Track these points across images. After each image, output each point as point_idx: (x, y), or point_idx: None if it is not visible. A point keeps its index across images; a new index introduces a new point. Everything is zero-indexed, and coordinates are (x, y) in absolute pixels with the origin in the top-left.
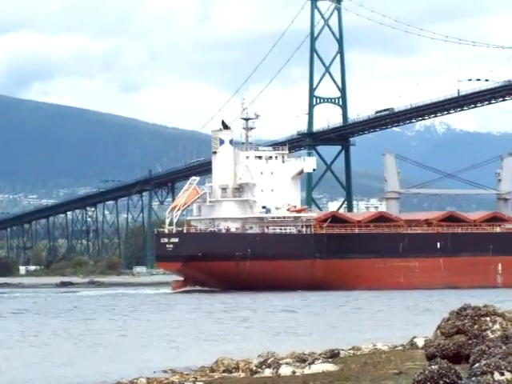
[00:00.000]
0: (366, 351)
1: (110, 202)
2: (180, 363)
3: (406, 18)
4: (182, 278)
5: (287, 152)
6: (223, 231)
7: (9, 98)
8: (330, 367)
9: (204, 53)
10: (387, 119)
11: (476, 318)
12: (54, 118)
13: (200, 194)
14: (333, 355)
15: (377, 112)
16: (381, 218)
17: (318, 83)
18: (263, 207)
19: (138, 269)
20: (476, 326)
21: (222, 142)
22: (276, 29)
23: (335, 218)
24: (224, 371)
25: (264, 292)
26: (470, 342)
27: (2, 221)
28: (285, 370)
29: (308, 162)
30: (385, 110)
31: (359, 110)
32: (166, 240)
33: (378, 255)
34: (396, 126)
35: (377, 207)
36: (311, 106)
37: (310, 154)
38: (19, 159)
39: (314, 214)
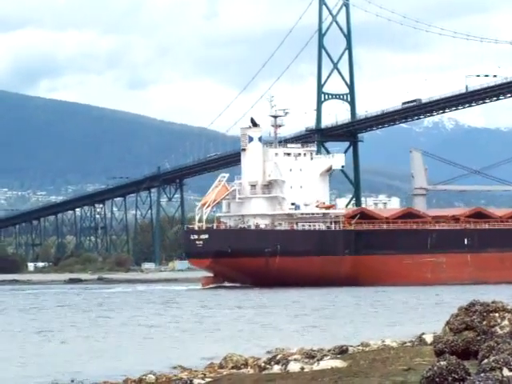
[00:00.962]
0: (374, 347)
1: (119, 199)
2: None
3: (414, 14)
4: (211, 274)
5: (315, 149)
6: (253, 227)
7: (16, 95)
8: (338, 363)
9: (211, 49)
10: (395, 115)
11: (485, 314)
12: (61, 115)
13: (229, 190)
14: (341, 351)
15: (403, 103)
16: (408, 215)
17: (326, 79)
18: (292, 204)
19: (147, 265)
20: (485, 322)
21: (250, 139)
22: (284, 25)
23: (363, 215)
24: (233, 367)
25: (296, 288)
26: (478, 338)
27: (10, 217)
28: (293, 367)
29: (336, 159)
30: (412, 101)
31: (367, 106)
32: (195, 236)
33: (405, 251)
34: (404, 122)
35: (385, 203)
36: (319, 103)
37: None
38: (27, 156)
39: (342, 210)
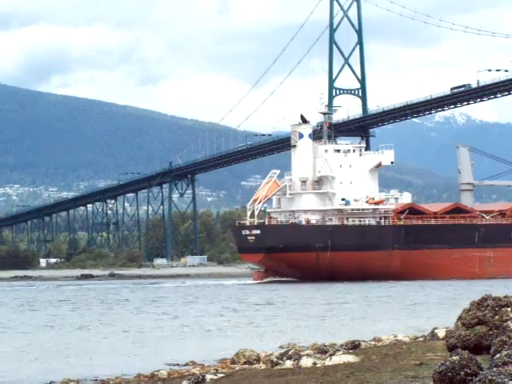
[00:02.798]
0: (386, 342)
1: (130, 195)
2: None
3: (425, 8)
4: (262, 269)
5: (364, 145)
6: (303, 223)
7: (28, 91)
8: (350, 358)
9: (223, 45)
10: (407, 110)
11: (497, 308)
12: (73, 111)
13: (280, 186)
14: (354, 346)
15: (452, 88)
16: (456, 210)
17: (338, 74)
18: (342, 199)
19: (159, 261)
20: (497, 317)
21: (301, 135)
22: (295, 20)
23: (412, 210)
24: (245, 363)
25: (350, 282)
26: (490, 332)
27: (22, 214)
28: (305, 362)
29: (386, 155)
30: (461, 87)
31: (379, 101)
32: (247, 232)
33: (454, 246)
34: (415, 117)
35: (397, 198)
36: (331, 98)
37: None
38: (39, 152)
39: (391, 205)
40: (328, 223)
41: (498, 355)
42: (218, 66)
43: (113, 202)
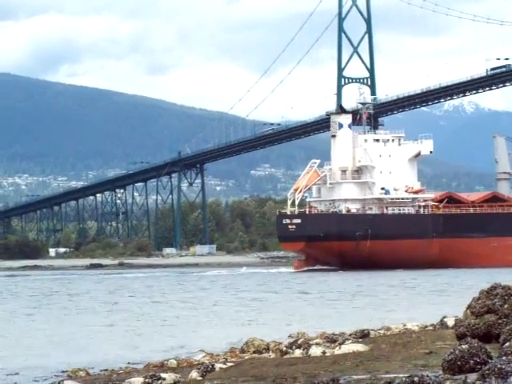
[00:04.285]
0: (396, 331)
1: (139, 184)
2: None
3: None
4: (303, 257)
5: (403, 135)
6: (344, 212)
7: (37, 81)
8: (360, 347)
9: (232, 34)
10: (416, 99)
11: (506, 297)
12: (82, 100)
13: (320, 176)
14: (363, 335)
15: (492, 69)
16: (494, 199)
17: (347, 63)
18: (382, 188)
19: (168, 250)
20: (506, 306)
21: (340, 125)
22: (304, 9)
23: (451, 199)
24: (254, 352)
25: (392, 270)
26: (500, 321)
27: (31, 203)
28: (315, 351)
29: (425, 145)
30: (501, 67)
31: (388, 90)
32: (288, 221)
33: (492, 234)
34: (425, 106)
35: None
36: (340, 86)
37: None
38: (48, 142)
39: (430, 194)
40: (368, 212)
41: (507, 344)
42: (227, 55)
43: (122, 191)
